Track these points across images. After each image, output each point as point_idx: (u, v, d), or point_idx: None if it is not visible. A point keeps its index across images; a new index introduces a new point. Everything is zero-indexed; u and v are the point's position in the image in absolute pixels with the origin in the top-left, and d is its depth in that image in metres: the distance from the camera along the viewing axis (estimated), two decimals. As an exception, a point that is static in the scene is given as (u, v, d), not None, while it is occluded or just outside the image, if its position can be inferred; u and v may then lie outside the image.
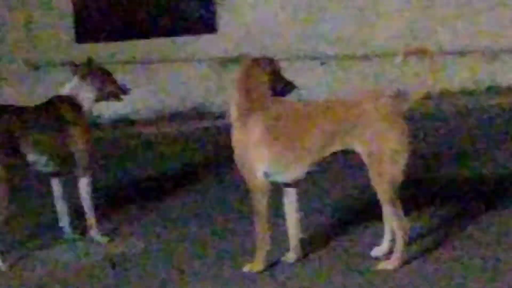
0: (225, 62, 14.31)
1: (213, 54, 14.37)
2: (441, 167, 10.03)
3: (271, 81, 7.34)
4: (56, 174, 8.34)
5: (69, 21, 15.29)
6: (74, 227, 8.53)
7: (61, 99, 8.32)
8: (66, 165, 8.25)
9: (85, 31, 15.24)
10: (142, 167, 11.53)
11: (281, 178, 7.22)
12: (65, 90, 8.38)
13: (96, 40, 15.00)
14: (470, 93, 13.10)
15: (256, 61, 7.44)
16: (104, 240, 8.35)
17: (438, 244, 7.58)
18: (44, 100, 8.44)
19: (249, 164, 7.13)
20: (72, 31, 15.31)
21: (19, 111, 8.19)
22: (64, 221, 8.46)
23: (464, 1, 13.61)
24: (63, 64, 14.60)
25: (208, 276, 7.34)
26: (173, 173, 11.02)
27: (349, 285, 6.89)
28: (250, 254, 7.40)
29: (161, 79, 14.24)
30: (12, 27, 15.52)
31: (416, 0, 13.67)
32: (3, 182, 7.70)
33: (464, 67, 13.10)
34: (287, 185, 7.33)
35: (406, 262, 7.08)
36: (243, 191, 8.04)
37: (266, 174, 7.12)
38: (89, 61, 8.51)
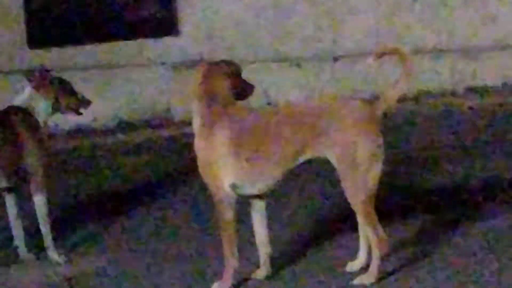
0: (189, 65, 14.36)
1: (176, 57, 14.44)
2: (418, 172, 10.06)
3: (232, 85, 7.27)
4: (9, 190, 8.16)
5: (21, 25, 15.31)
6: (29, 246, 8.38)
7: (14, 110, 8.09)
8: (19, 180, 8.13)
9: (37, 35, 15.25)
10: (101, 179, 11.45)
11: (249, 190, 7.13)
12: (18, 101, 8.17)
13: (50, 45, 15.03)
14: (450, 93, 13.16)
15: (215, 65, 7.36)
16: (62, 259, 8.16)
17: (416, 256, 7.60)
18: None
19: (215, 176, 7.08)
20: (24, 35, 15.33)
21: None
22: (19, 240, 8.27)
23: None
24: (15, 72, 14.66)
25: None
26: (135, 186, 11.04)
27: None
28: (218, 272, 7.32)
29: (120, 84, 14.22)
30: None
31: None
32: None
33: (442, 67, 13.17)
34: (255, 197, 7.19)
35: (382, 277, 7.09)
36: (209, 204, 7.92)
37: (234, 186, 6.99)
38: (44, 70, 8.26)
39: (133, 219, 9.58)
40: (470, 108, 12.72)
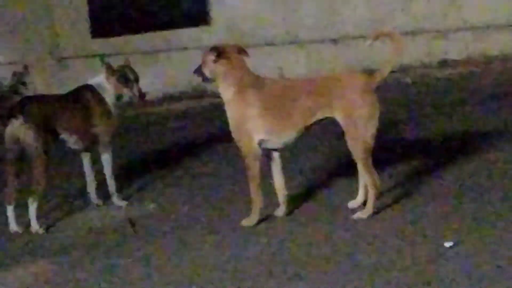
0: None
1: (207, 42, 14.42)
2: (403, 130, 10.07)
3: None
4: (85, 150, 8.42)
5: (85, 19, 15.33)
6: (99, 194, 8.57)
7: (87, 88, 8.34)
8: (91, 143, 8.36)
9: (98, 27, 15.27)
10: (154, 140, 11.55)
11: (274, 144, 7.32)
12: (92, 81, 8.40)
13: (108, 35, 15.04)
14: (425, 66, 13.14)
15: (228, 47, 7.48)
16: (123, 204, 8.47)
17: (405, 196, 7.56)
18: (73, 88, 8.48)
19: (246, 134, 7.23)
20: (87, 27, 15.35)
21: (54, 98, 8.45)
22: (91, 189, 8.56)
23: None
24: (80, 57, 14.74)
25: (210, 232, 7.38)
26: (178, 145, 11.06)
27: (331, 232, 6.92)
28: (245, 214, 7.44)
29: (165, 65, 14.25)
30: (36, 25, 15.55)
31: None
32: (42, 157, 7.78)
33: (419, 45, 13.15)
34: (275, 150, 7.41)
35: (377, 212, 7.10)
36: (235, 158, 8.30)
37: (261, 142, 7.23)
38: (108, 65, 8.40)
39: (177, 171, 9.66)
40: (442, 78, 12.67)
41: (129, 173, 9.60)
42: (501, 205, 7.05)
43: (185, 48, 14.39)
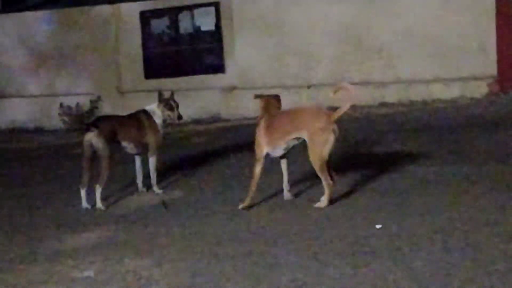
0: (230, 89, 14.42)
1: (222, 84, 14.47)
2: (356, 147, 10.05)
3: (277, 103, 7.61)
4: (138, 154, 8.53)
5: (140, 65, 15.39)
6: (144, 185, 8.63)
7: (143, 112, 8.51)
8: (143, 150, 8.48)
9: (149, 71, 15.31)
10: (182, 150, 11.44)
11: (275, 154, 7.44)
12: (147, 107, 8.53)
13: (155, 77, 15.09)
14: (369, 106, 13.13)
15: (272, 96, 7.70)
16: (160, 191, 8.50)
17: (352, 193, 7.53)
18: (133, 112, 8.63)
19: (259, 147, 7.37)
20: (142, 71, 15.40)
21: (118, 117, 8.66)
22: (140, 181, 8.62)
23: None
24: (137, 92, 14.80)
25: (223, 212, 7.41)
26: (199, 153, 11.02)
27: (300, 215, 6.94)
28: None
29: (194, 100, 14.25)
30: (106, 67, 15.62)
31: (344, 46, 13.75)
32: (107, 157, 8.02)
33: (366, 91, 13.15)
34: (281, 157, 7.52)
35: (331, 203, 7.07)
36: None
37: (267, 153, 7.39)
38: (166, 99, 8.49)
39: (199, 172, 9.59)
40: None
41: (166, 171, 9.53)
42: (417, 200, 7.01)
43: (207, 88, 14.44)
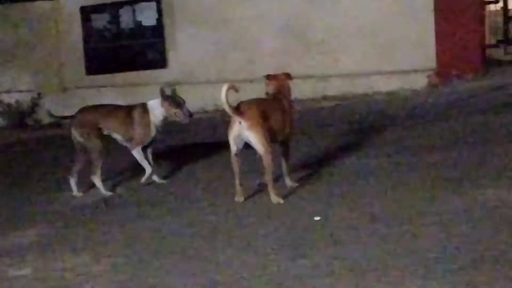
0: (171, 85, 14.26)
1: (164, 79, 14.36)
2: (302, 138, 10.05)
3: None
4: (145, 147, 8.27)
5: (81, 61, 15.24)
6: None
7: (140, 105, 8.21)
8: (129, 141, 8.22)
9: (91, 68, 15.17)
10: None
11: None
12: (150, 102, 8.20)
13: (97, 73, 14.96)
14: (312, 99, 13.18)
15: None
16: (161, 181, 8.38)
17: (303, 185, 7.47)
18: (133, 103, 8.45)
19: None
20: (83, 67, 15.26)
21: (105, 107, 8.53)
22: (149, 169, 8.29)
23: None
24: (78, 88, 14.67)
25: (163, 207, 7.36)
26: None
27: (241, 209, 6.87)
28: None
29: (135, 95, 14.11)
30: (48, 64, 15.44)
31: (286, 40, 13.77)
32: (94, 147, 8.06)
33: (308, 85, 13.19)
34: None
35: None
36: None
37: None
38: (163, 91, 8.13)
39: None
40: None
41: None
42: (357, 191, 7.04)
43: (150, 84, 14.32)
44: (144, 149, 8.26)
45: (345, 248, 5.51)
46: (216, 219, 6.74)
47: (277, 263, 5.35)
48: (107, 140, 8.35)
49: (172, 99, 8.08)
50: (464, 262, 4.97)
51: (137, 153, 8.18)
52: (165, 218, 6.99)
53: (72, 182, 8.21)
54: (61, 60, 15.43)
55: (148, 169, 8.22)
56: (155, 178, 8.36)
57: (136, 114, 8.12)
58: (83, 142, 8.04)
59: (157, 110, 8.07)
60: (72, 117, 8.24)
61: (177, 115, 8.03)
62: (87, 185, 8.47)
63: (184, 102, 8.08)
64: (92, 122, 8.07)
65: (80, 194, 8.19)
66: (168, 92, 8.23)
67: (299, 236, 5.92)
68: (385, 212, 6.27)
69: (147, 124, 8.08)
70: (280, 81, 7.30)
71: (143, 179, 8.25)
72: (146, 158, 8.27)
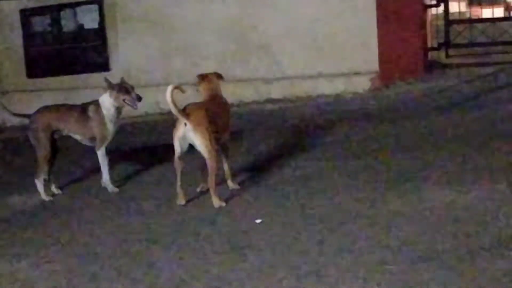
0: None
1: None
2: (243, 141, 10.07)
3: None
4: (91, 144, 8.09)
5: (22, 64, 15.04)
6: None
7: (93, 102, 7.97)
8: (91, 140, 8.01)
9: (32, 71, 15.00)
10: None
11: None
12: (100, 98, 7.96)
13: (38, 76, 14.81)
14: (256, 102, 13.19)
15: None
16: (115, 190, 8.09)
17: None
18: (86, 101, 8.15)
19: None
20: (24, 70, 15.07)
21: (60, 107, 8.36)
22: (106, 174, 8.11)
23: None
24: (17, 91, 14.47)
25: (103, 211, 7.32)
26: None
27: (182, 212, 6.87)
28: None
29: (77, 99, 13.95)
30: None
31: (229, 43, 13.74)
32: (39, 147, 7.95)
33: (251, 88, 13.21)
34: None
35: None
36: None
37: None
38: (109, 81, 7.94)
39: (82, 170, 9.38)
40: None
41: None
42: (298, 193, 7.05)
43: (92, 87, 14.16)
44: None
45: (286, 251, 5.56)
46: (157, 222, 6.73)
47: (217, 266, 5.37)
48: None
49: (119, 86, 7.87)
50: (404, 263, 5.05)
51: (101, 155, 7.97)
52: (105, 223, 6.95)
53: (38, 184, 8.08)
54: (0, 63, 15.18)
55: (106, 176, 8.08)
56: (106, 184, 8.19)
57: (90, 111, 7.89)
58: (32, 141, 7.96)
59: (107, 102, 7.84)
60: (28, 116, 8.10)
61: (127, 101, 7.80)
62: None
63: (132, 88, 7.88)
64: (45, 123, 7.94)
65: (48, 198, 8.05)
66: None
67: (240, 239, 5.95)
68: (326, 214, 6.34)
69: (101, 120, 7.86)
70: (211, 81, 7.39)
71: (108, 185, 8.10)
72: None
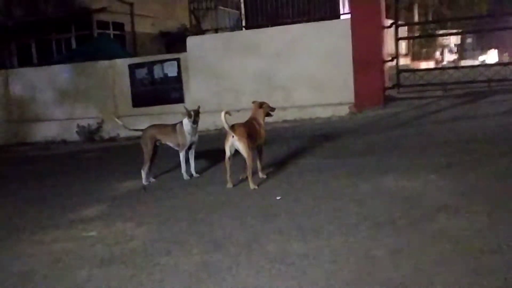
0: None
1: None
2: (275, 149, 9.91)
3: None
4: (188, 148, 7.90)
5: (128, 99, 15.11)
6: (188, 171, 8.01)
7: (180, 123, 7.81)
8: (178, 146, 7.86)
9: (135, 102, 15.07)
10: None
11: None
12: (183, 120, 7.79)
13: (140, 106, 14.83)
14: (276, 122, 13.04)
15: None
16: (187, 177, 7.91)
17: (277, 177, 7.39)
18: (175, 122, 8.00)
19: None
20: (130, 102, 15.15)
21: (161, 125, 8.12)
22: (183, 168, 7.99)
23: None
24: (127, 116, 14.47)
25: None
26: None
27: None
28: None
29: (166, 120, 13.99)
30: (106, 97, 15.30)
31: (259, 84, 13.62)
32: (148, 152, 7.83)
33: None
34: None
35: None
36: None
37: None
38: (191, 111, 7.72)
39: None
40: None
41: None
42: (306, 181, 6.92)
43: (174, 113, 14.13)
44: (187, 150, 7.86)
45: (296, 217, 5.47)
46: (213, 199, 6.61)
47: (253, 226, 5.34)
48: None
49: (189, 112, 7.63)
50: (369, 227, 5.02)
51: (181, 155, 7.79)
52: (183, 198, 6.85)
53: (143, 173, 7.90)
54: (115, 98, 15.32)
55: (183, 168, 7.87)
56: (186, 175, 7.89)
57: (177, 128, 7.73)
58: (142, 146, 7.83)
59: (186, 124, 7.65)
60: (142, 130, 8.05)
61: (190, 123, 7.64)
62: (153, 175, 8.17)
63: (197, 114, 7.64)
64: (151, 135, 7.89)
65: (147, 182, 7.88)
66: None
67: (267, 209, 5.84)
68: (321, 194, 6.30)
69: (183, 134, 7.67)
70: (254, 107, 7.36)
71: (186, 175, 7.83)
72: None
